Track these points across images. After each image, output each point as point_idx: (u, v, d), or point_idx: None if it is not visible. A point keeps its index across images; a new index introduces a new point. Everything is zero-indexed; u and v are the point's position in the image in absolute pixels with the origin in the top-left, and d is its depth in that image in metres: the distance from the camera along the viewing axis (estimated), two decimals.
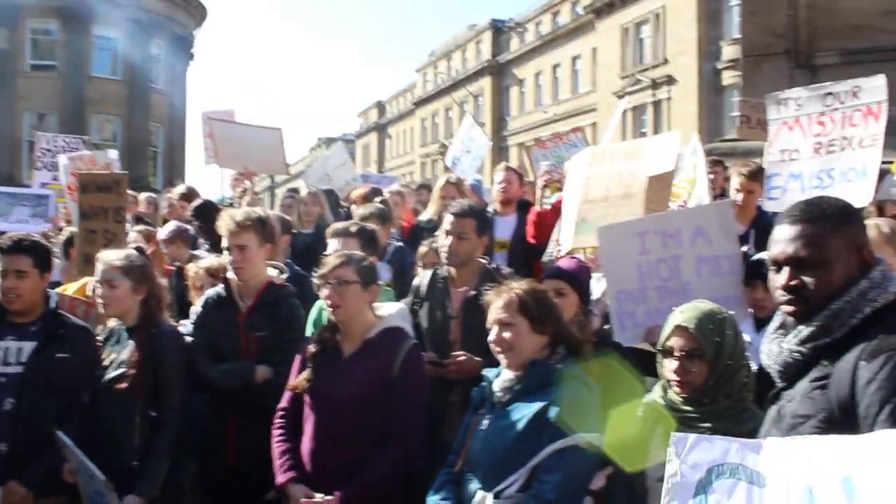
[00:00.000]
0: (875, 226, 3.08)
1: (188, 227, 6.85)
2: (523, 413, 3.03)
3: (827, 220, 2.17)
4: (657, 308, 3.72)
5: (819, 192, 4.35)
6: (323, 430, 3.53)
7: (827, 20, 9.47)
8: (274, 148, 8.30)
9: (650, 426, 2.75)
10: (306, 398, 3.62)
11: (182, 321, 4.72)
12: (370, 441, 3.46)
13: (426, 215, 7.17)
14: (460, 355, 4.07)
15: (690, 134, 6.24)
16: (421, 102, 65.37)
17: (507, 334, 3.12)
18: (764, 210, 5.34)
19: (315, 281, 3.66)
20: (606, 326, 4.04)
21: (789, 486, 1.65)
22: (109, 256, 4.07)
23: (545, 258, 5.49)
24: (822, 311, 2.11)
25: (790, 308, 2.19)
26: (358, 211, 6.30)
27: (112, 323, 4.14)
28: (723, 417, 2.63)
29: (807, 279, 2.14)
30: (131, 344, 3.94)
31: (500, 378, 3.20)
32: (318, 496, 3.38)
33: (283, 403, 3.75)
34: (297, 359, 3.74)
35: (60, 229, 7.29)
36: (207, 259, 5.17)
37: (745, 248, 4.59)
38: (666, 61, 37.70)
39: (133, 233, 6.18)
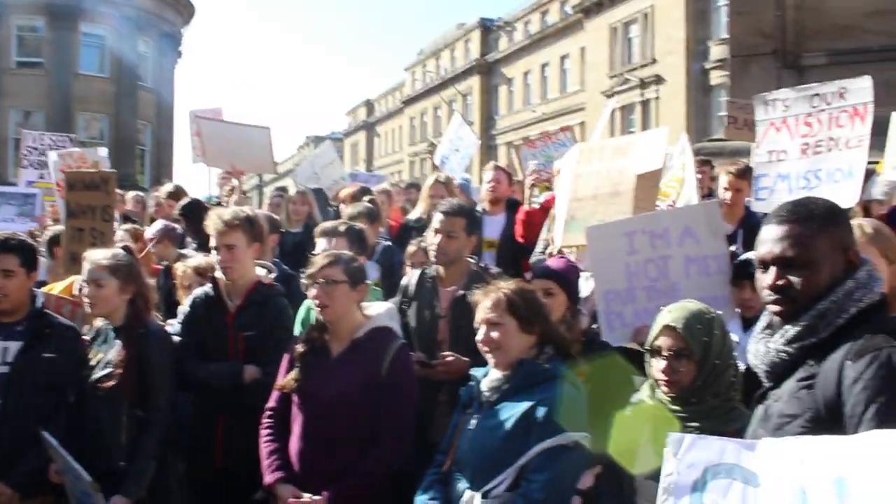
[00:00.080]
0: (859, 226, 3.09)
1: (176, 225, 6.82)
2: (511, 412, 3.04)
3: (814, 220, 2.18)
4: (645, 308, 3.73)
5: (806, 193, 4.38)
6: (311, 430, 3.52)
7: (814, 21, 9.52)
8: (262, 147, 8.27)
9: (640, 426, 2.76)
10: (294, 398, 3.61)
11: (170, 321, 4.71)
12: (358, 441, 3.45)
13: (415, 214, 7.17)
14: (448, 356, 4.07)
15: (678, 133, 6.26)
16: (410, 101, 65.33)
17: (494, 334, 3.13)
18: (752, 210, 5.37)
19: (303, 281, 3.65)
20: (595, 326, 4.04)
21: (783, 486, 1.67)
22: (96, 255, 4.04)
23: (533, 258, 5.49)
24: (808, 311, 2.12)
25: (777, 308, 2.20)
26: (346, 210, 6.29)
27: (99, 322, 4.12)
28: (710, 417, 2.64)
29: (793, 279, 2.16)
30: (118, 344, 3.92)
31: (488, 378, 3.21)
32: (307, 496, 3.38)
33: (271, 403, 3.74)
34: (286, 358, 3.73)
35: (47, 228, 7.24)
36: (195, 258, 5.15)
37: (733, 248, 4.61)
38: (654, 61, 37.82)
39: (120, 232, 6.14)
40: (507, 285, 3.23)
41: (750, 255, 3.54)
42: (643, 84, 38.43)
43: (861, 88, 4.49)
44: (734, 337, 3.19)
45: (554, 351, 3.18)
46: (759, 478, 1.72)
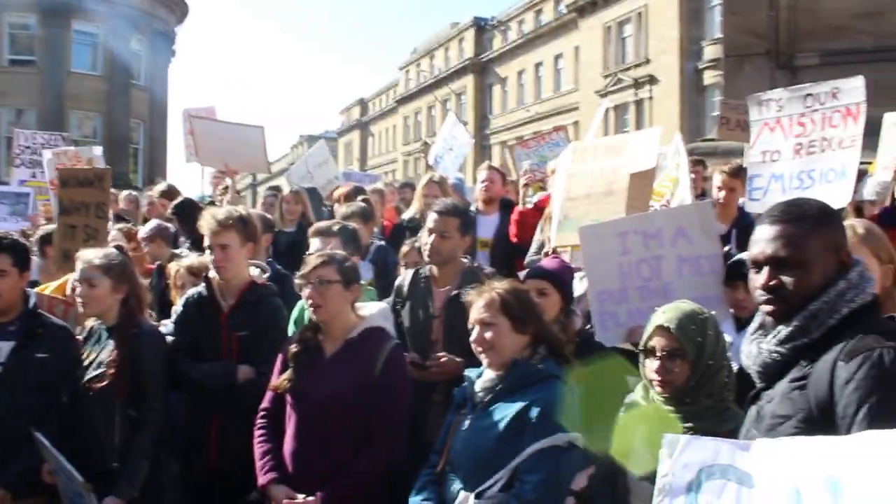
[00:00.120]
0: (851, 227, 3.10)
1: (169, 225, 6.81)
2: (505, 413, 3.04)
3: (807, 220, 2.19)
4: (639, 308, 3.73)
5: (800, 193, 4.39)
6: (305, 431, 3.52)
7: (807, 21, 9.57)
8: (255, 146, 8.27)
9: (643, 427, 2.75)
10: (288, 398, 3.61)
11: (163, 321, 4.70)
12: (352, 441, 3.45)
13: (409, 214, 7.17)
14: (442, 356, 4.07)
15: (672, 133, 6.27)
16: (403, 100, 65.29)
17: (488, 334, 3.13)
18: (746, 210, 5.38)
19: (297, 281, 3.65)
20: (589, 327, 4.05)
21: (777, 486, 1.67)
22: (89, 255, 4.03)
23: (528, 259, 5.48)
24: (800, 312, 2.13)
25: (769, 308, 2.21)
26: (340, 210, 6.28)
27: (91, 322, 4.10)
28: (704, 417, 2.65)
29: (786, 279, 2.16)
30: (111, 344, 3.91)
31: (482, 378, 3.21)
32: (300, 497, 3.38)
33: (265, 404, 3.73)
34: (279, 359, 3.73)
35: (39, 227, 7.22)
36: (189, 258, 5.14)
37: (727, 248, 4.61)
38: (648, 60, 37.88)
39: (113, 231, 6.13)
40: (500, 285, 3.23)
41: (743, 255, 3.55)
42: (637, 84, 38.49)
43: (854, 88, 4.50)
44: (727, 337, 3.19)
45: (547, 351, 3.18)
46: (754, 478, 1.73)
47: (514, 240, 6.05)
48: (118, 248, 4.45)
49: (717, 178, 5.71)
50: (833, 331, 2.09)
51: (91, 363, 3.91)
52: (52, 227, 5.89)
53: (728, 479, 1.76)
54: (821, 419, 2.00)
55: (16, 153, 9.92)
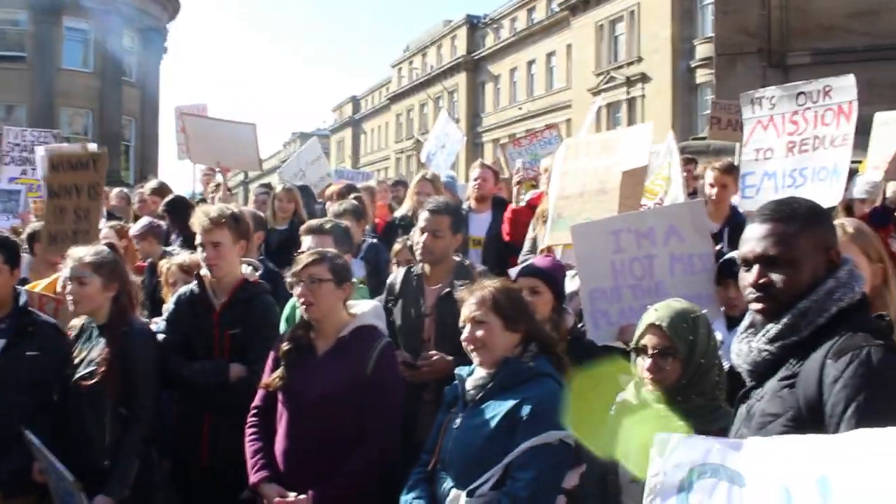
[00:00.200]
0: (841, 225, 3.11)
1: (160, 222, 6.78)
2: (496, 411, 3.04)
3: (797, 219, 2.20)
4: (631, 306, 3.74)
5: (792, 191, 4.40)
6: (296, 429, 3.51)
7: (799, 20, 9.60)
8: (247, 143, 8.24)
9: (637, 428, 2.75)
10: (280, 396, 3.60)
11: (155, 318, 4.68)
12: (344, 440, 3.44)
13: (401, 212, 7.16)
14: (433, 355, 4.07)
15: (664, 131, 6.28)
16: (396, 98, 65.23)
17: (479, 332, 3.13)
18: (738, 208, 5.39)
19: (288, 279, 3.64)
20: (580, 325, 4.05)
21: (767, 485, 1.68)
22: (79, 253, 4.01)
23: (521, 257, 5.49)
24: (789, 310, 2.14)
25: (759, 306, 2.22)
26: (332, 207, 6.27)
27: (82, 321, 4.08)
28: (695, 416, 2.65)
29: (775, 277, 2.17)
30: (102, 342, 3.89)
31: (473, 376, 3.21)
32: (292, 495, 3.37)
33: (257, 402, 3.72)
34: (271, 357, 3.72)
35: (29, 224, 7.18)
36: (180, 255, 5.12)
37: (719, 247, 4.63)
38: (640, 59, 37.95)
39: (105, 228, 6.10)
40: (491, 284, 3.23)
41: (734, 254, 3.55)
42: (629, 82, 38.56)
43: (845, 86, 4.51)
44: (719, 336, 3.20)
45: (539, 349, 3.18)
46: (745, 478, 1.73)
47: (507, 238, 6.05)
48: (109, 245, 4.43)
49: (709, 175, 5.70)
50: (822, 329, 2.10)
51: (82, 361, 3.89)
52: (41, 224, 5.85)
53: (719, 478, 1.76)
54: (809, 417, 2.01)
55: (5, 150, 9.86)
